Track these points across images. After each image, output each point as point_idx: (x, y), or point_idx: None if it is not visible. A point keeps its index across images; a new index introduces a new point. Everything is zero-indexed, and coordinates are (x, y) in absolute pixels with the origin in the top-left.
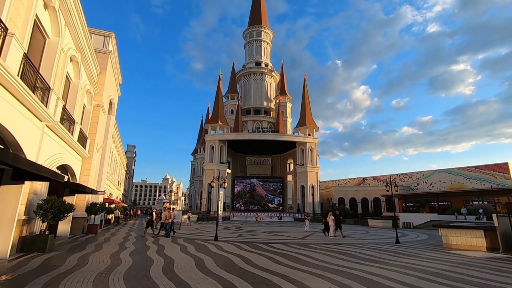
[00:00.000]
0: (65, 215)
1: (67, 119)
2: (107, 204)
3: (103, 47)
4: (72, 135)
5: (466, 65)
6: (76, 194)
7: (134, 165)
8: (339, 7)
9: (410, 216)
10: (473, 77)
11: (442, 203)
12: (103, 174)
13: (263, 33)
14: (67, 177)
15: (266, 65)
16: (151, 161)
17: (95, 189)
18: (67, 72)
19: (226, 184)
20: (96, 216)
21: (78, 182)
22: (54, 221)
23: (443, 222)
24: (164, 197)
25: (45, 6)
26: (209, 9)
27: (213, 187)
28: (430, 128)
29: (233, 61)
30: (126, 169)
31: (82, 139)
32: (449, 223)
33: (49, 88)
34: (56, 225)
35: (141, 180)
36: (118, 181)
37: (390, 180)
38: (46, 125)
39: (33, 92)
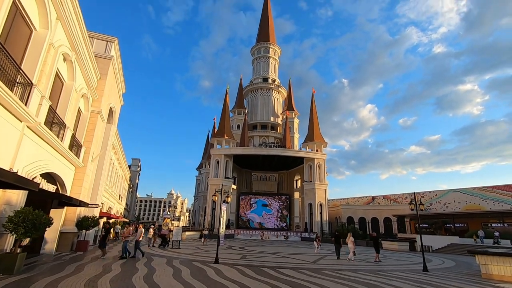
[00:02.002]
0: (40, 230)
1: (56, 122)
2: (105, 218)
3: (105, 52)
4: (62, 140)
5: (473, 85)
6: (65, 207)
7: (139, 179)
8: (345, 29)
9: (429, 239)
10: (480, 97)
11: (458, 225)
12: (99, 186)
13: (270, 49)
14: (54, 187)
15: (274, 80)
16: (157, 177)
17: (86, 201)
18: (59, 72)
19: (229, 198)
20: (89, 231)
21: (69, 193)
22: (26, 236)
23: (468, 246)
24: (168, 213)
25: None
26: (219, 30)
27: (215, 201)
28: (438, 147)
29: (241, 76)
30: (129, 182)
31: (76, 147)
32: (476, 247)
33: (31, 83)
34: (40, 241)
35: (146, 195)
36: (120, 195)
37: (415, 197)
38: (27, 126)
39: (11, 87)
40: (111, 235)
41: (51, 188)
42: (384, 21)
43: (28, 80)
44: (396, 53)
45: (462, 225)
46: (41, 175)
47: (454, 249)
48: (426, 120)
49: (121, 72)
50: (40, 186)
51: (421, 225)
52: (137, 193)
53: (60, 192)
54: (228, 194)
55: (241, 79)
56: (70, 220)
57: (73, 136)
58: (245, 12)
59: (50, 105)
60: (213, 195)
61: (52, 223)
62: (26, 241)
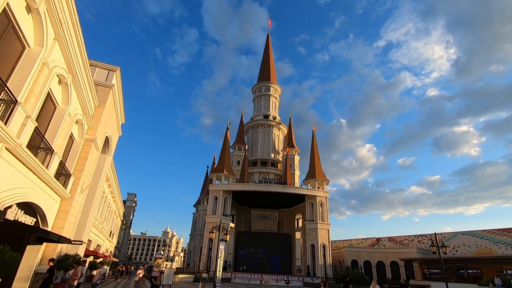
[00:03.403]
0: (2, 271)
1: (43, 148)
2: (91, 257)
3: (105, 81)
4: (47, 167)
5: (468, 127)
6: (45, 243)
7: (133, 215)
8: (341, 72)
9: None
10: (477, 139)
11: (471, 271)
12: (88, 221)
13: (271, 88)
14: (33, 219)
15: (274, 118)
16: (153, 214)
17: (68, 237)
18: (52, 93)
19: (228, 236)
20: (69, 272)
21: (50, 227)
22: None
23: None
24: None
25: (28, 8)
26: (221, 71)
27: (212, 239)
28: (439, 188)
29: (241, 113)
30: (122, 218)
31: (64, 176)
32: None
33: (15, 101)
34: (10, 282)
35: (141, 233)
36: (111, 232)
37: (436, 238)
38: (5, 148)
39: None
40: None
41: (28, 220)
42: (379, 65)
43: (12, 97)
44: (391, 95)
45: (476, 271)
46: (18, 205)
47: None
48: (425, 160)
49: (122, 102)
50: (15, 218)
51: (432, 270)
52: (130, 230)
53: (40, 226)
54: (226, 232)
55: (242, 116)
56: (48, 259)
57: (62, 164)
58: (247, 55)
59: (37, 127)
60: (210, 232)
61: (19, 262)
62: None
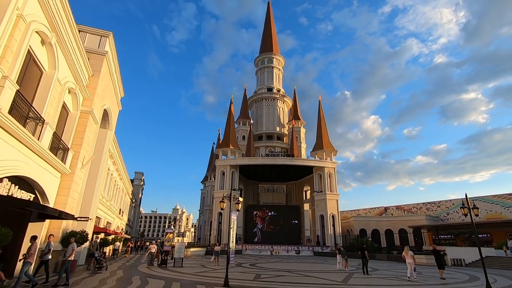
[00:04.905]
0: None
1: (33, 117)
2: (102, 234)
3: (98, 48)
4: (39, 139)
5: (477, 93)
6: (48, 220)
7: (142, 194)
8: (345, 42)
9: (462, 252)
10: (485, 105)
11: (481, 236)
12: (93, 197)
13: (274, 59)
14: (32, 196)
15: (278, 90)
16: (162, 192)
17: (72, 213)
18: (35, 54)
19: (240, 206)
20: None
21: (52, 203)
22: None
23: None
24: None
25: None
26: (221, 47)
27: (222, 209)
28: (445, 157)
29: (245, 87)
30: (131, 197)
31: (62, 151)
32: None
33: None
34: (14, 262)
35: (151, 211)
36: (120, 209)
37: (467, 200)
38: None
39: None
40: (107, 252)
41: (25, 196)
42: (384, 33)
43: None
44: (397, 64)
45: (486, 235)
46: (12, 180)
47: (491, 262)
48: (431, 130)
49: (119, 73)
50: (10, 193)
51: (441, 236)
52: (141, 209)
53: (40, 202)
54: (238, 201)
55: (245, 90)
56: (54, 236)
57: (57, 136)
58: (247, 29)
59: (20, 92)
60: (220, 201)
61: (9, 238)
62: None
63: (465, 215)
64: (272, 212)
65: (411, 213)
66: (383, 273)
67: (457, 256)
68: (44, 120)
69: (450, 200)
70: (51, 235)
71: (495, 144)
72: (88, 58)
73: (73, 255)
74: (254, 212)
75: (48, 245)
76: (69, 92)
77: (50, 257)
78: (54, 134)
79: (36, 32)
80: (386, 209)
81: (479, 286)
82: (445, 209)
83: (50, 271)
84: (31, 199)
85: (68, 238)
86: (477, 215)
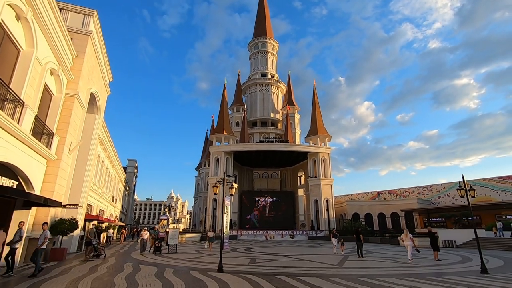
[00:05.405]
0: None
1: (10, 99)
2: (95, 222)
3: (82, 27)
4: (18, 122)
5: (469, 79)
6: (34, 208)
7: (136, 181)
8: (339, 27)
9: (452, 233)
10: (477, 91)
11: (471, 218)
12: (83, 184)
13: (268, 44)
14: (15, 182)
15: (272, 76)
16: (157, 180)
17: (59, 201)
18: (8, 29)
19: (233, 190)
20: (67, 236)
21: (38, 191)
22: None
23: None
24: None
25: None
26: (214, 32)
27: (216, 193)
28: (437, 142)
29: (238, 72)
30: (125, 184)
31: (46, 136)
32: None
33: None
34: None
35: (146, 198)
36: (113, 197)
37: (464, 181)
38: None
39: None
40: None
41: (8, 183)
42: (379, 18)
43: None
44: (391, 49)
45: (476, 217)
46: None
47: (482, 243)
48: (423, 116)
49: (106, 55)
50: None
51: (432, 219)
52: (136, 196)
53: (25, 190)
54: (231, 185)
55: (238, 75)
56: (41, 224)
57: (39, 120)
58: (240, 13)
59: None
60: (213, 186)
61: None
62: None
63: (462, 196)
64: (274, 198)
65: (403, 197)
66: (377, 256)
67: (448, 238)
68: (23, 103)
69: (442, 184)
70: (21, 222)
71: (485, 129)
72: (71, 38)
73: (46, 243)
74: (256, 199)
75: (19, 233)
76: (51, 73)
77: (18, 246)
78: (36, 118)
79: (9, 5)
80: (379, 193)
81: (473, 266)
82: (436, 193)
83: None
84: (14, 186)
85: (57, 226)
86: (473, 197)
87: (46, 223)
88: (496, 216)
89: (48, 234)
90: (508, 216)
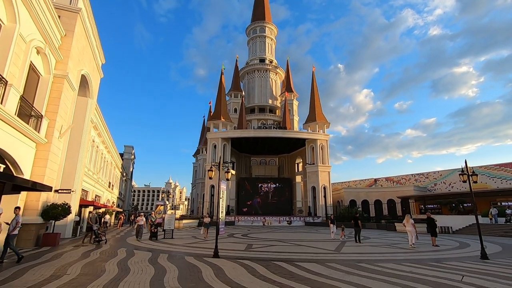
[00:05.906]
0: None
1: None
2: (91, 208)
3: (70, 4)
4: (2, 103)
5: (468, 67)
6: (24, 192)
7: (133, 168)
8: (339, 13)
9: (449, 219)
10: (475, 79)
11: (466, 205)
12: (76, 169)
13: (267, 28)
14: (2, 166)
15: (271, 61)
16: (155, 167)
17: (50, 185)
18: None
19: (229, 175)
20: (60, 221)
21: (29, 175)
22: None
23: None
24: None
25: None
26: (211, 17)
27: (211, 178)
28: (434, 130)
29: (236, 57)
30: (121, 170)
31: (35, 118)
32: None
33: None
34: None
35: (144, 185)
36: (110, 183)
37: (467, 167)
38: None
39: None
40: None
41: None
42: (379, 4)
43: None
44: (391, 36)
45: (470, 204)
46: None
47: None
48: (422, 104)
49: (97, 36)
50: None
51: (428, 206)
52: (133, 183)
53: (14, 174)
54: (228, 169)
55: (236, 61)
56: (32, 209)
57: (25, 101)
58: None
59: None
60: (209, 170)
61: None
62: None
63: (464, 181)
64: (277, 184)
65: (399, 184)
66: (375, 241)
67: (445, 224)
68: (6, 82)
69: (438, 171)
70: (17, 207)
71: (483, 118)
72: (59, 16)
73: (17, 228)
74: (259, 185)
75: (16, 219)
76: (38, 52)
77: (16, 232)
78: (22, 98)
79: None
80: (376, 180)
81: (472, 252)
82: (433, 180)
83: (30, 245)
84: (1, 170)
85: (49, 211)
86: (475, 182)
87: (18, 207)
88: (491, 202)
89: (20, 219)
90: (503, 203)
